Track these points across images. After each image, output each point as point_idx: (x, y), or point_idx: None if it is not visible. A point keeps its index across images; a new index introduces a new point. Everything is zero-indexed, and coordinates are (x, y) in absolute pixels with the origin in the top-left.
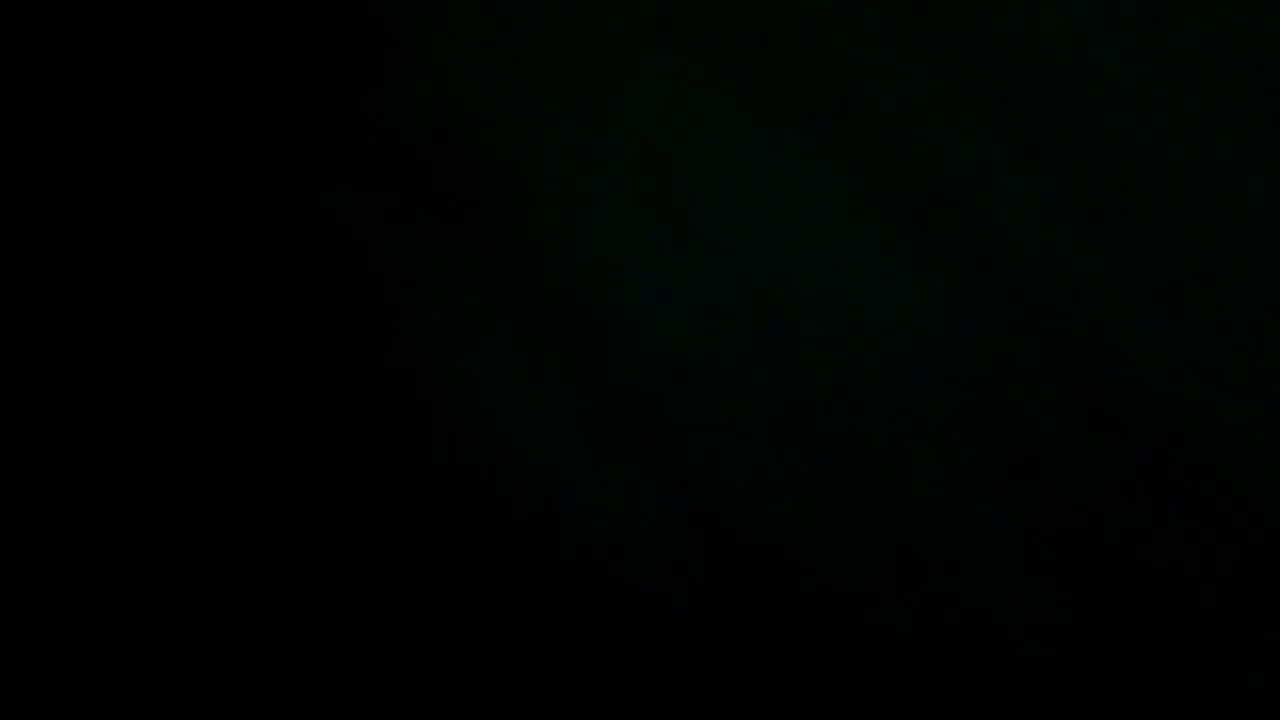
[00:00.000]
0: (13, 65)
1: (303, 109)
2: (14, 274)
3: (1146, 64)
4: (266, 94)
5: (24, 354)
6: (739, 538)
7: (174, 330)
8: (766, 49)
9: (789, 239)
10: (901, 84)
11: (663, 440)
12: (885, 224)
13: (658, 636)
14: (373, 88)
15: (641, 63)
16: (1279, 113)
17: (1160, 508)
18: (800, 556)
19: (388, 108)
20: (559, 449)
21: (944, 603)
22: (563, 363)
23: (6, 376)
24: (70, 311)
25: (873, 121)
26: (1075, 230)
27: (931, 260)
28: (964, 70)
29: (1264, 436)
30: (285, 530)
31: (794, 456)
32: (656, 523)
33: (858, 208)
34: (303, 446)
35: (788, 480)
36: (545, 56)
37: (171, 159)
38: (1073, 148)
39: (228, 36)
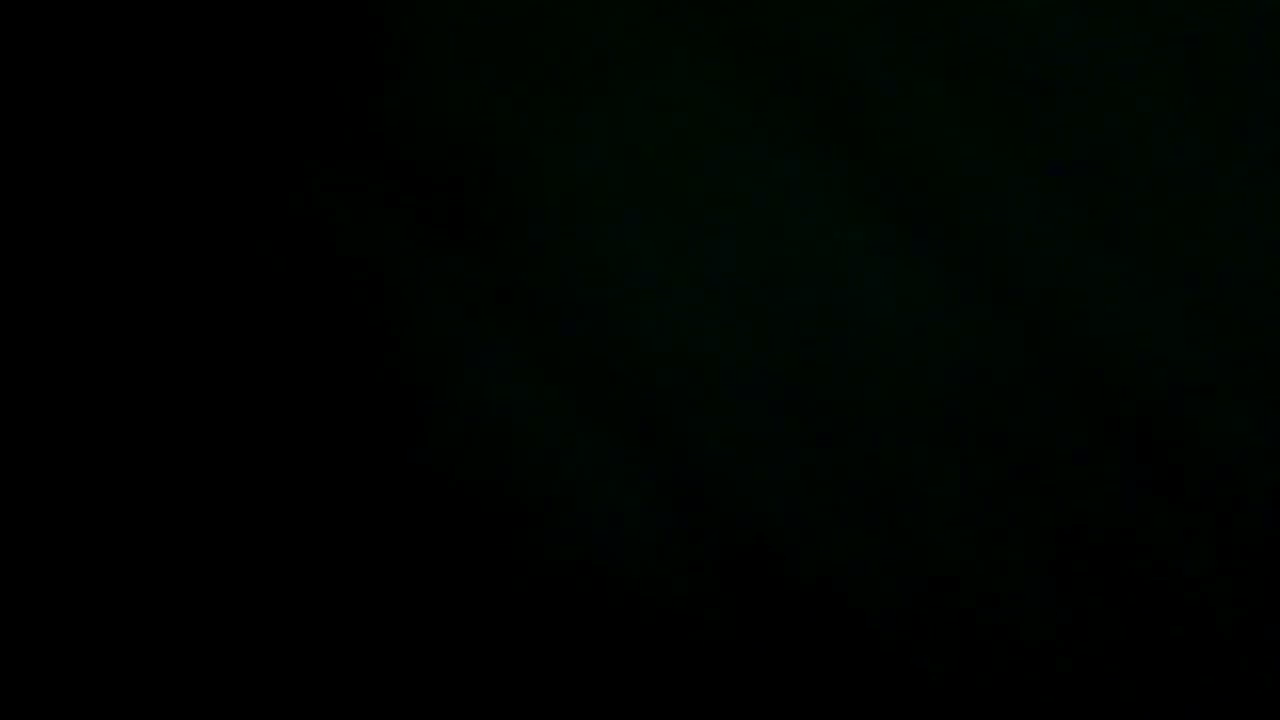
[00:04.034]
0: (13, 67)
1: (303, 110)
2: (15, 278)
3: (1144, 62)
4: (267, 95)
5: (23, 357)
6: (738, 535)
7: (175, 334)
8: (767, 48)
9: (789, 237)
10: (901, 81)
11: (663, 438)
12: (884, 221)
13: (656, 632)
14: (373, 89)
15: (641, 62)
16: (1277, 110)
17: (1160, 504)
18: (798, 553)
19: (388, 109)
20: (559, 447)
21: (942, 599)
22: (563, 360)
23: (6, 379)
24: (70, 315)
25: (872, 119)
26: (1075, 227)
27: (931, 257)
28: (963, 68)
29: (1264, 433)
30: (286, 529)
31: (793, 454)
32: (657, 520)
33: (857, 205)
34: (304, 447)
35: (787, 477)
36: (545, 57)
37: (171, 161)
38: (1071, 145)
39: (228, 37)
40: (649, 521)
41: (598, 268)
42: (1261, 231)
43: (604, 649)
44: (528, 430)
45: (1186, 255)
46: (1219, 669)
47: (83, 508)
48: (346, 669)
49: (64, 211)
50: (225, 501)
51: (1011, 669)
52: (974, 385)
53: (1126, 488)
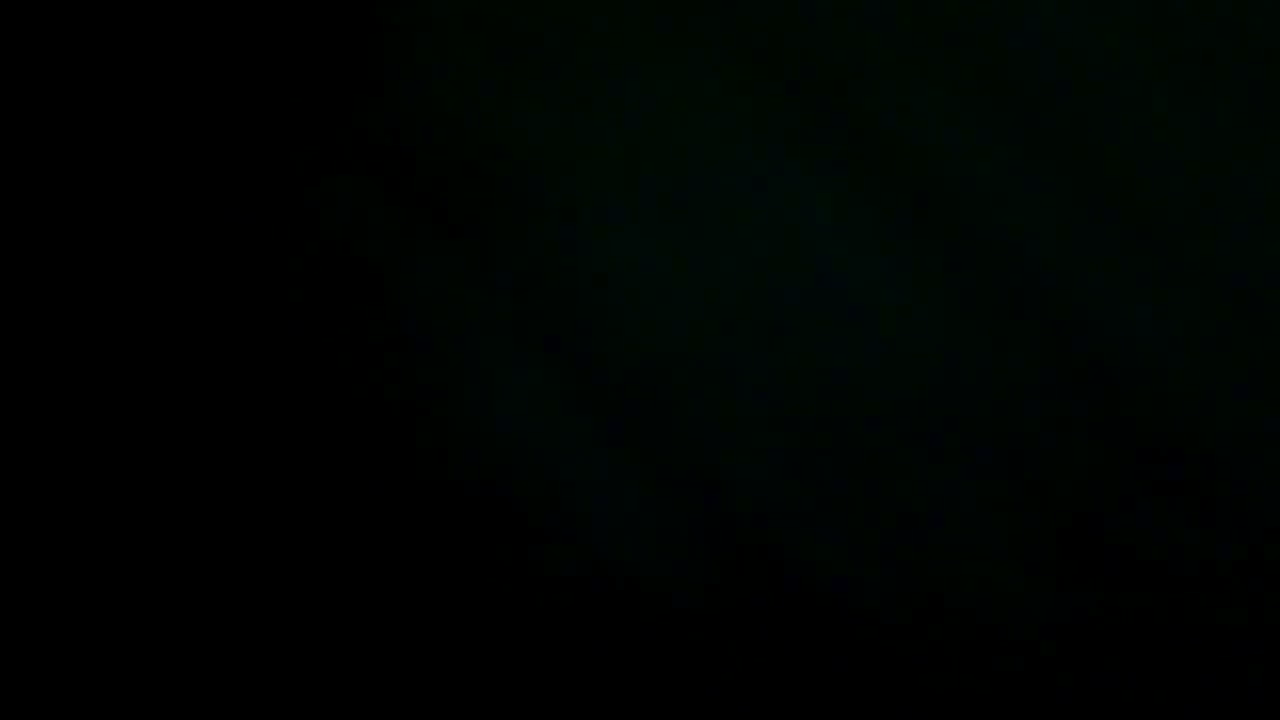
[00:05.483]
0: (11, 65)
1: (302, 109)
2: (14, 277)
3: (1147, 61)
4: (266, 94)
5: (24, 356)
6: (738, 534)
7: (176, 334)
8: (766, 48)
9: (788, 236)
10: (901, 81)
11: (662, 438)
12: (884, 220)
13: (655, 632)
14: (372, 88)
15: (641, 62)
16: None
17: (1160, 505)
18: (798, 552)
19: (387, 108)
20: (558, 446)
21: (942, 598)
22: (562, 361)
23: (9, 379)
24: (64, 313)
25: (872, 118)
26: (1076, 228)
27: (931, 256)
28: (964, 67)
29: (1265, 434)
30: (287, 531)
31: (793, 453)
32: (656, 519)
33: (857, 204)
34: (300, 445)
35: (786, 476)
36: (545, 57)
37: (170, 159)
38: (1073, 145)
39: (227, 36)
40: (650, 521)
41: (599, 267)
42: (1266, 229)
43: (604, 650)
44: (529, 430)
45: (1192, 255)
46: (1220, 670)
47: (84, 501)
48: (348, 670)
49: (62, 210)
50: (226, 502)
51: (1013, 670)
52: (976, 385)
53: (1130, 490)
